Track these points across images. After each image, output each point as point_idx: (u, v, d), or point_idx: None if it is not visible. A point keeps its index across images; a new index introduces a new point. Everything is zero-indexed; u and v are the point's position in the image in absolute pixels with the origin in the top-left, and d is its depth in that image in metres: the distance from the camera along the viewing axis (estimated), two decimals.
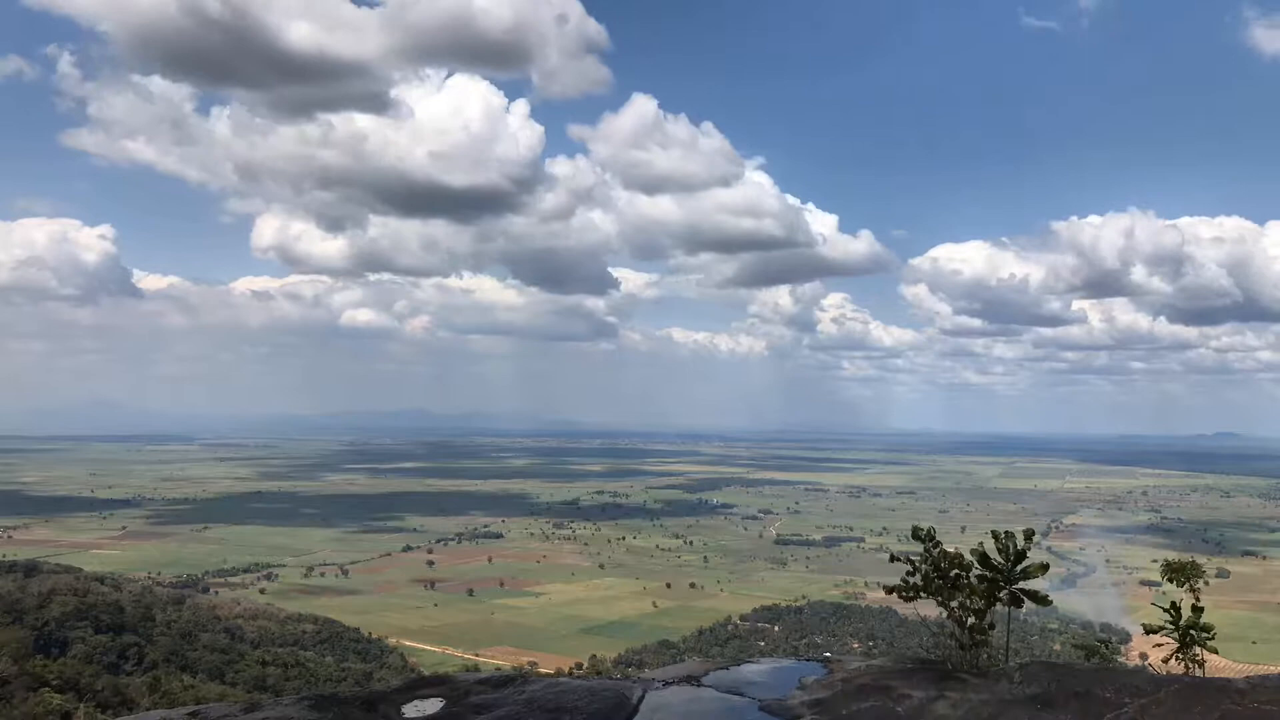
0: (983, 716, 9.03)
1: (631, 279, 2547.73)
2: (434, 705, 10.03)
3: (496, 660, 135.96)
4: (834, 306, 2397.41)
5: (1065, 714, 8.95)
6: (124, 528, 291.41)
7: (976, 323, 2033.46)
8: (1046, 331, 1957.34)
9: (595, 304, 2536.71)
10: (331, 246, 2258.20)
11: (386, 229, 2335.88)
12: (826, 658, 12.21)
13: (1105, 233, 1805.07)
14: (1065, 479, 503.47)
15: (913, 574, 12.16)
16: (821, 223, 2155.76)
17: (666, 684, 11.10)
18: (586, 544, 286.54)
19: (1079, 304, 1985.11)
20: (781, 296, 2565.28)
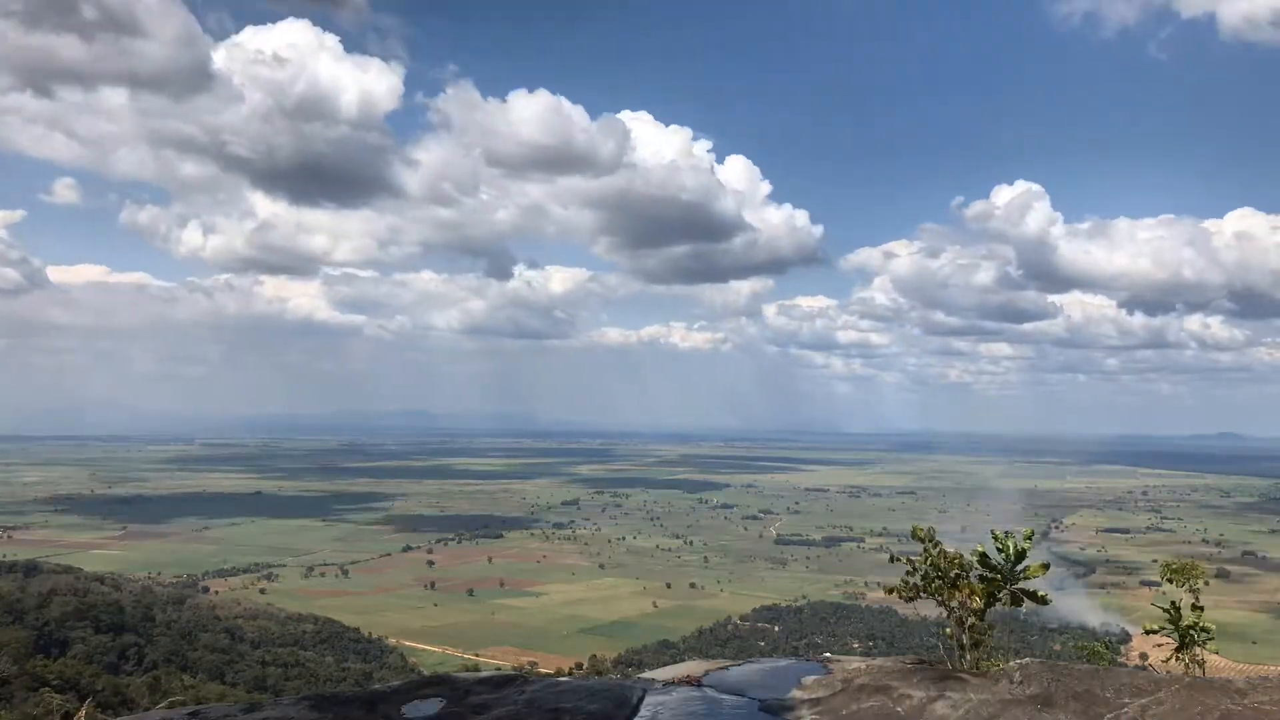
0: (983, 716, 9.02)
1: (567, 275, 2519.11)
2: (434, 705, 10.01)
3: (496, 660, 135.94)
4: (785, 304, 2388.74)
5: (1065, 714, 8.95)
6: (124, 528, 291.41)
7: (951, 321, 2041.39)
8: (1028, 328, 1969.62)
9: (530, 297, 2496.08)
10: (228, 239, 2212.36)
11: (278, 217, 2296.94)
12: (826, 658, 12.18)
13: (1026, 216, 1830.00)
14: (1065, 479, 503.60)
15: (913, 574, 12.11)
16: (739, 177, 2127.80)
17: (666, 684, 11.09)
18: (587, 544, 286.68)
19: (1055, 299, 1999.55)
20: (731, 293, 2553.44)
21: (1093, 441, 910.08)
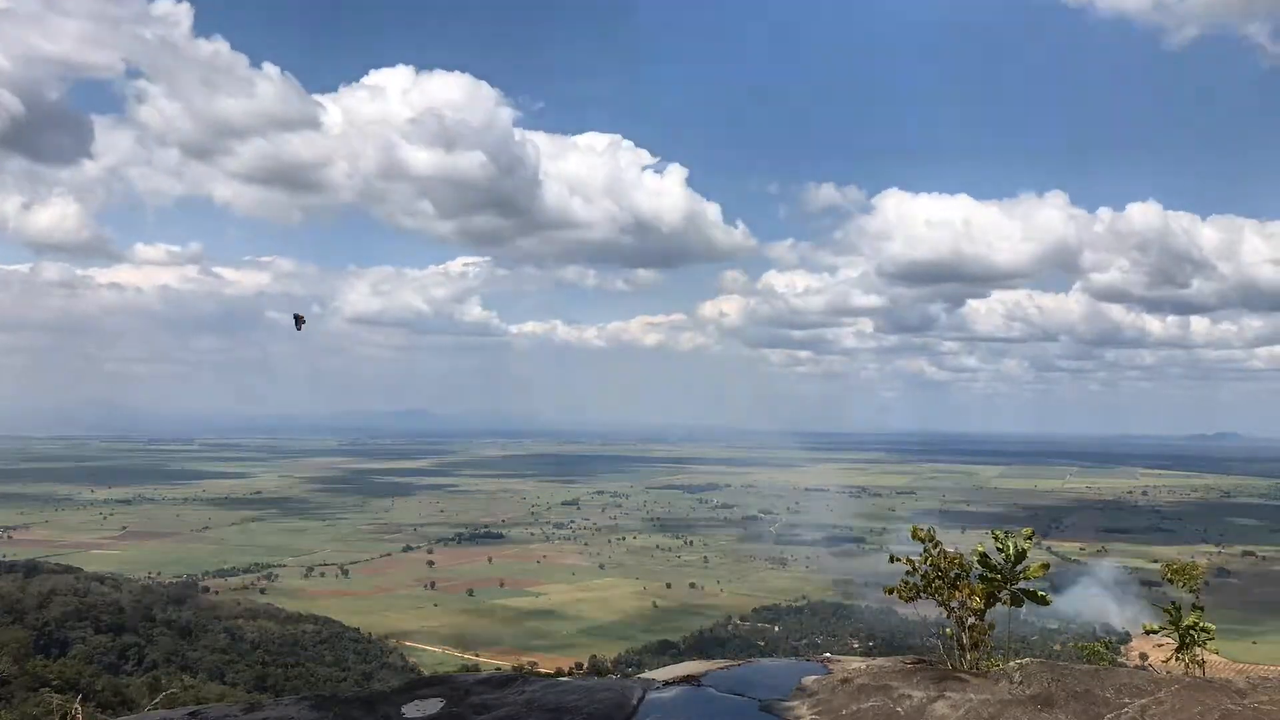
0: (983, 716, 9.02)
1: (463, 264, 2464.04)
2: (434, 705, 10.01)
3: (496, 660, 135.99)
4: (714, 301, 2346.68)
5: (1065, 714, 8.95)
6: (124, 527, 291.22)
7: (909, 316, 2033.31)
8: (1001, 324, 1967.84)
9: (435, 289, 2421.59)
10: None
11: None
12: (826, 658, 12.18)
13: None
14: (1065, 479, 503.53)
15: (912, 574, 12.11)
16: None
17: (666, 684, 11.08)
18: (586, 544, 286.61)
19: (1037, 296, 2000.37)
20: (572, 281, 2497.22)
21: (1091, 442, 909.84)
